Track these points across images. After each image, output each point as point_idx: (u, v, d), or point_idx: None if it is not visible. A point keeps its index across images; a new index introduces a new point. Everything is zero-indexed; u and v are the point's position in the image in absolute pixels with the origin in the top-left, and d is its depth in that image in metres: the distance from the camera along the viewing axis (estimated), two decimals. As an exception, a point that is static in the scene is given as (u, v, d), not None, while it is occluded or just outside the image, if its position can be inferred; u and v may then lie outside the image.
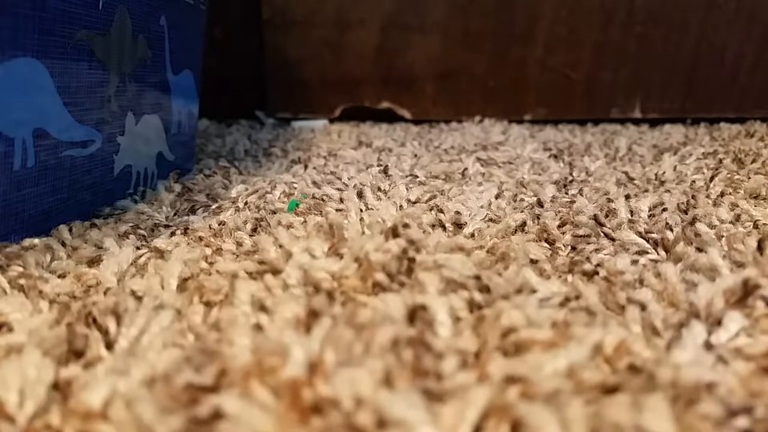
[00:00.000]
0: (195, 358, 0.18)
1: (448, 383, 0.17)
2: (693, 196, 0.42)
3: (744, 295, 0.24)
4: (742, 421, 0.16)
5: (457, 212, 0.39)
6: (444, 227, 0.37)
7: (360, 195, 0.45)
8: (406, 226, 0.28)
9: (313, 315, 0.21)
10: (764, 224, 0.36)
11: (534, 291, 0.25)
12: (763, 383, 0.19)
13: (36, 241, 0.33)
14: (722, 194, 0.44)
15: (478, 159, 0.62)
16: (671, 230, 0.35)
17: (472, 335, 0.21)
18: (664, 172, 0.54)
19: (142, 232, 0.37)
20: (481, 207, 0.42)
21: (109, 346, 0.22)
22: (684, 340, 0.21)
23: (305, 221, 0.38)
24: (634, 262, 0.30)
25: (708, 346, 0.22)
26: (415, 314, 0.22)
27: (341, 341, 0.19)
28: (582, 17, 1.01)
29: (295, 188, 0.49)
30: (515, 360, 0.19)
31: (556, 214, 0.39)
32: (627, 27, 0.99)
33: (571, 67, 1.02)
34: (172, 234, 0.37)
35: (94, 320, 0.23)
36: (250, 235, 0.36)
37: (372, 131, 0.91)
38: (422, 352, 0.19)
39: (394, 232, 0.27)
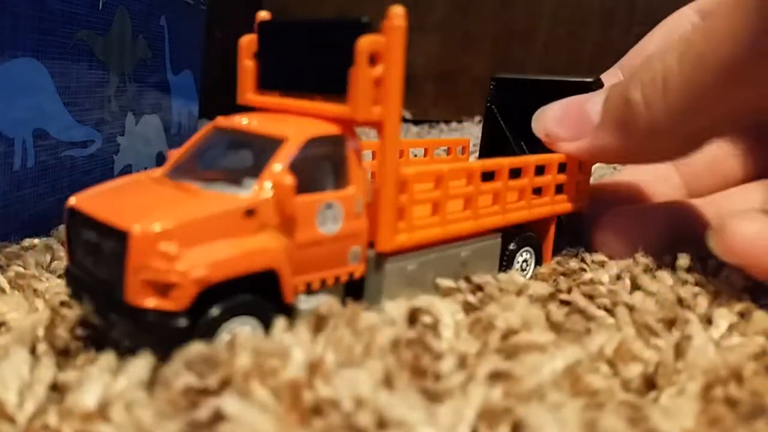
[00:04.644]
0: (195, 359, 0.18)
1: (446, 383, 0.18)
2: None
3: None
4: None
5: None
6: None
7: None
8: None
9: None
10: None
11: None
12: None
13: (36, 241, 0.33)
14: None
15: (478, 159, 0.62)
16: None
17: (472, 337, 0.21)
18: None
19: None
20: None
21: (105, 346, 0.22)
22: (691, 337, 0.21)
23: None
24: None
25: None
26: (416, 316, 0.22)
27: (341, 342, 0.19)
28: (582, 17, 1.01)
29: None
30: (512, 361, 0.19)
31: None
32: (627, 27, 0.99)
33: (571, 67, 1.02)
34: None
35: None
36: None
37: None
38: (421, 352, 0.19)
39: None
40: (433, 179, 0.25)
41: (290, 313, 0.21)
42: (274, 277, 0.20)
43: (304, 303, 0.21)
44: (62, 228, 0.36)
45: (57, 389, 0.19)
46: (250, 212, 0.20)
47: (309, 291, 0.21)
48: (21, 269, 0.29)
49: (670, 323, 0.23)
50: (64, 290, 0.27)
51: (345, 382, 0.16)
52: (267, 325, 0.20)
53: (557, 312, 0.23)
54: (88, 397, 0.17)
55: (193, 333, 0.19)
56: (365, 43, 0.21)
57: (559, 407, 0.16)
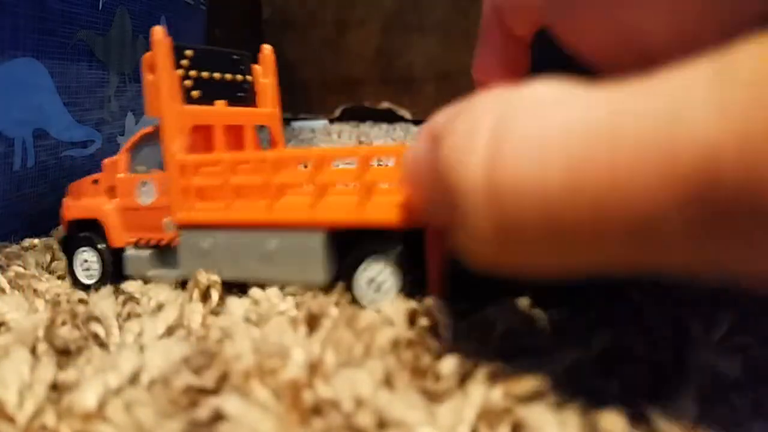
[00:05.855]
0: (194, 359, 0.18)
1: (446, 383, 0.18)
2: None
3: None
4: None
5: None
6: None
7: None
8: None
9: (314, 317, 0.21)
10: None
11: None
12: None
13: (36, 241, 0.34)
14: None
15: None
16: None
17: (471, 337, 0.21)
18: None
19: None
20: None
21: (106, 346, 0.22)
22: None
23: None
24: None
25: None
26: (415, 317, 0.22)
27: (341, 343, 0.19)
28: (582, 17, 1.01)
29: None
30: (512, 361, 0.19)
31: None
32: (627, 27, 0.99)
33: (571, 68, 1.02)
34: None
35: (93, 319, 0.23)
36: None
37: (372, 131, 0.91)
38: (421, 353, 0.19)
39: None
40: (221, 165, 0.27)
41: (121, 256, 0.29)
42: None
43: (129, 253, 0.28)
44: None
45: (57, 389, 0.19)
46: (95, 181, 0.30)
47: (137, 246, 0.28)
48: (21, 269, 0.29)
49: (671, 323, 0.23)
50: (64, 290, 0.27)
51: (345, 382, 0.16)
52: (102, 255, 0.29)
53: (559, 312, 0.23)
54: (88, 397, 0.17)
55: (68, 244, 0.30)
56: (145, 56, 0.27)
57: (559, 407, 0.16)
